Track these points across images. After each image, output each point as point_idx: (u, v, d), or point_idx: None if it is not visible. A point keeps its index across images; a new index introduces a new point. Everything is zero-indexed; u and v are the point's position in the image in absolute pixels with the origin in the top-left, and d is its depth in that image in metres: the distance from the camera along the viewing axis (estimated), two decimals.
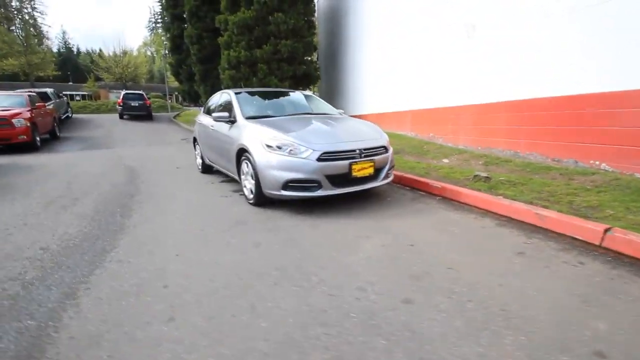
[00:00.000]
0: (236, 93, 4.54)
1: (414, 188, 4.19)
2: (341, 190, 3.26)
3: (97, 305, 1.84)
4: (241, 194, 4.19)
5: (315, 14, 12.32)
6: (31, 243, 2.76)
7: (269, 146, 3.32)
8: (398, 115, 7.90)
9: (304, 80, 13.02)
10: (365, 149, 3.37)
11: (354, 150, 3.31)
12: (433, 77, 6.71)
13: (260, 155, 3.35)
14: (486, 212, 3.17)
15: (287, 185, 3.21)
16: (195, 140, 5.97)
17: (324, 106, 4.81)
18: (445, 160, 5.64)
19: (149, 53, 50.01)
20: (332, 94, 12.84)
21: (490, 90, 5.34)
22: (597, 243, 2.30)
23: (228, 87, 12.49)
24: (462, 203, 3.49)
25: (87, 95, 38.30)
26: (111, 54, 35.94)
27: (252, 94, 4.82)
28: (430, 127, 6.99)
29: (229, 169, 4.35)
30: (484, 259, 2.23)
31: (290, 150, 3.23)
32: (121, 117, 17.85)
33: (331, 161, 3.19)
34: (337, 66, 12.92)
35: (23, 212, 3.63)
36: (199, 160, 5.82)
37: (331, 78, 13.29)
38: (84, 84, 38.78)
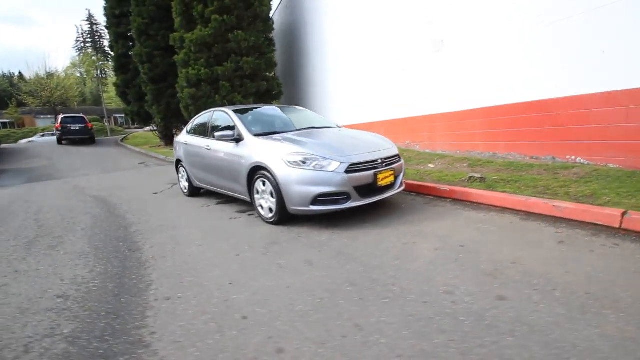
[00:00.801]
0: (234, 111, 4.39)
1: (420, 193, 4.36)
2: (368, 201, 3.29)
3: (182, 349, 1.63)
4: (251, 214, 4.02)
5: (274, 31, 12.42)
6: (41, 292, 2.37)
7: (292, 162, 3.25)
8: (370, 126, 8.19)
9: (266, 97, 12.97)
10: (385, 158, 3.46)
11: (376, 160, 3.38)
12: (405, 89, 7.11)
13: (283, 172, 3.26)
14: (502, 209, 3.41)
15: (317, 200, 3.16)
16: (178, 162, 5.61)
17: (322, 119, 4.84)
18: (431, 165, 5.96)
19: (77, 74, 46.07)
20: None
21: (465, 98, 5.80)
22: (616, 226, 2.61)
23: (188, 107, 12.00)
24: (474, 203, 3.72)
25: (9, 123, 33.98)
26: (34, 76, 32.50)
27: (244, 111, 4.69)
28: (405, 135, 7.36)
29: (233, 189, 4.16)
30: (534, 251, 2.39)
31: (316, 164, 3.20)
32: (60, 142, 16.18)
33: (358, 172, 3.22)
34: (297, 81, 13.10)
35: (4, 258, 3.10)
36: (184, 184, 5.48)
37: (292, 93, 13.41)
38: (4, 111, 34.38)
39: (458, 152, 6.15)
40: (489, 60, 5.34)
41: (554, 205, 3.01)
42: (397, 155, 3.70)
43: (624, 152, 3.93)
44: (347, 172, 3.16)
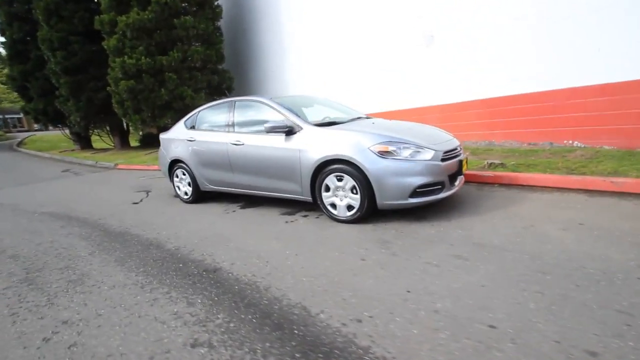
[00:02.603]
0: (269, 98, 3.84)
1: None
2: (454, 189, 3.20)
3: None
4: (305, 215, 3.59)
5: (222, 20, 11.44)
6: (155, 344, 1.69)
7: (383, 152, 2.97)
8: None
9: (217, 91, 11.94)
10: (459, 146, 3.42)
11: (456, 149, 3.31)
12: (393, 83, 7.24)
13: (375, 163, 2.95)
14: (560, 189, 3.64)
15: (415, 191, 2.95)
16: (174, 164, 4.71)
17: (349, 109, 4.56)
18: None
19: None
20: None
21: (458, 91, 6.16)
22: None
23: (123, 102, 10.28)
24: (524, 186, 3.93)
25: None
26: None
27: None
28: None
29: (280, 189, 3.65)
30: None
31: (411, 152, 2.98)
32: None
33: (449, 160, 3.10)
34: (248, 75, 12.29)
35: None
36: (185, 189, 4.65)
37: (244, 88, 12.53)
38: None
39: None
40: (484, 54, 5.75)
41: (611, 182, 3.37)
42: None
43: (616, 135, 4.63)
44: (442, 160, 3.03)
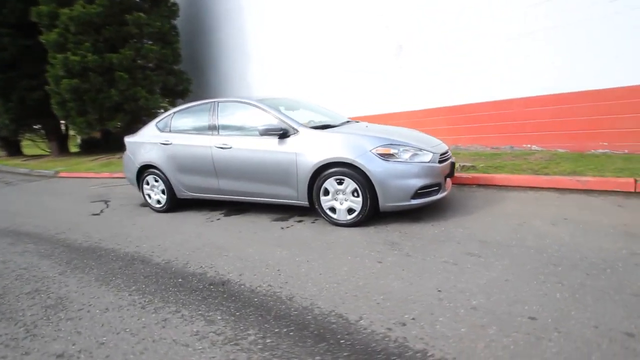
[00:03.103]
0: (258, 100, 3.68)
1: None
2: (447, 190, 3.32)
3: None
4: (300, 221, 3.49)
5: (178, 19, 10.88)
6: None
7: (385, 155, 2.99)
8: None
9: (173, 93, 11.31)
10: (448, 149, 3.57)
11: (448, 152, 3.45)
12: (362, 88, 7.40)
13: (378, 166, 2.95)
14: (532, 189, 3.95)
15: (417, 193, 3.00)
16: (144, 170, 4.32)
17: (335, 113, 4.54)
18: None
19: None
20: None
21: (426, 99, 6.48)
22: (632, 190, 3.46)
23: (65, 102, 9.26)
24: (498, 186, 4.21)
25: None
26: None
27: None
28: None
29: (274, 194, 3.51)
30: (619, 212, 2.93)
31: (411, 155, 3.04)
32: None
33: (444, 162, 3.22)
34: (209, 78, 11.80)
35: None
36: (157, 197, 4.29)
37: (203, 91, 11.97)
38: None
39: None
40: (448, 65, 6.13)
41: (577, 180, 3.75)
42: None
43: (567, 139, 5.18)
44: (439, 162, 3.13)
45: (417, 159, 3.04)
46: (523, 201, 3.56)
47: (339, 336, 1.65)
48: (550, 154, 5.15)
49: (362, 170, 2.99)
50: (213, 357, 1.57)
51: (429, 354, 1.48)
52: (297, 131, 3.32)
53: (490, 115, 5.82)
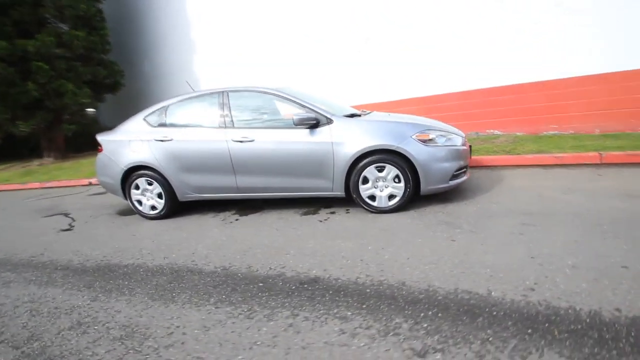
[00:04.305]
0: (276, 89, 3.46)
1: None
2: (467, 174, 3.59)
3: None
4: (333, 212, 3.42)
5: (104, 2, 9.52)
6: None
7: (425, 140, 3.10)
8: None
9: (102, 87, 9.93)
10: None
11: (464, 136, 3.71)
12: (330, 79, 7.45)
13: (422, 151, 3.05)
14: (520, 167, 4.47)
15: (453, 175, 3.19)
16: (131, 172, 3.74)
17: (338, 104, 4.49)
18: None
19: None
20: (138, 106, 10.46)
21: (397, 90, 6.83)
22: (598, 162, 4.17)
23: None
24: (490, 166, 4.68)
25: None
26: None
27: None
28: None
29: (305, 187, 3.37)
30: (612, 182, 3.50)
31: (446, 139, 3.20)
32: None
33: (466, 146, 3.46)
34: (139, 70, 10.56)
35: None
36: (152, 202, 3.82)
37: (138, 85, 10.68)
38: None
39: None
40: (418, 57, 6.55)
41: (555, 156, 4.38)
42: None
43: (525, 124, 5.98)
44: (463, 144, 3.36)
45: (450, 143, 3.22)
46: (522, 177, 4.03)
47: (487, 309, 1.70)
48: (512, 137, 5.89)
49: (405, 156, 3.06)
50: (387, 349, 1.49)
51: (578, 309, 1.63)
52: (332, 120, 3.23)
53: (457, 104, 6.40)
